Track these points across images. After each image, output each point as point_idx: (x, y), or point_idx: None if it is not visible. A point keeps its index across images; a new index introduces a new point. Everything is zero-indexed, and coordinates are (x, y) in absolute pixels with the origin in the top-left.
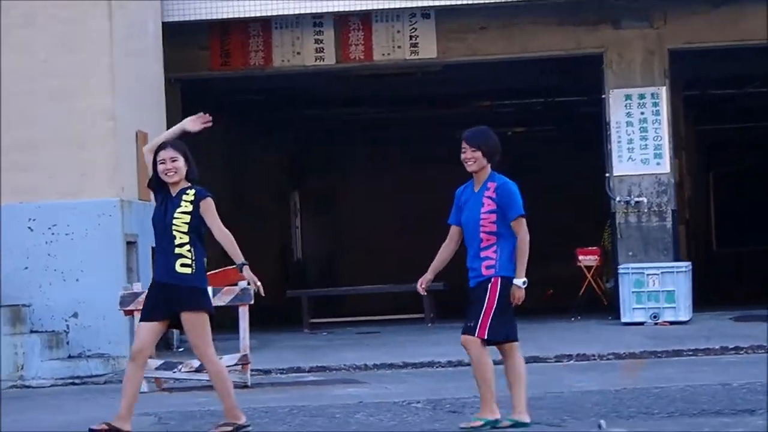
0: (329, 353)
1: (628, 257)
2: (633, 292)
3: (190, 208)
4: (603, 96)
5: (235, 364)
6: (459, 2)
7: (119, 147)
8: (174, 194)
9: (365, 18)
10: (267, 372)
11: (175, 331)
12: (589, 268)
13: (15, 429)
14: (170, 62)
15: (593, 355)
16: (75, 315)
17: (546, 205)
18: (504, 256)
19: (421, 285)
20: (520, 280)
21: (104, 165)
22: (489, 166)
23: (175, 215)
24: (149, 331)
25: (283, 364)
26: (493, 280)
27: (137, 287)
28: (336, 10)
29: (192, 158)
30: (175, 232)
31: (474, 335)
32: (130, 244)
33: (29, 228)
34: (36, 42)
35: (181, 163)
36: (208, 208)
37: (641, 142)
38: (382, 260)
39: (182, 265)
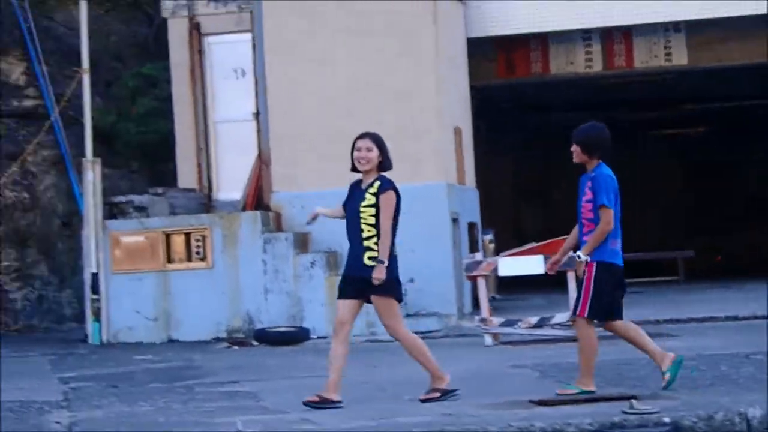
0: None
1: None
2: None
3: (373, 200)
4: None
5: (567, 321)
6: (706, 16)
7: (443, 139)
8: (363, 186)
9: (627, 32)
10: None
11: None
12: None
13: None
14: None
15: None
16: (411, 280)
17: None
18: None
19: (552, 267)
20: (581, 254)
21: (432, 154)
22: (591, 159)
23: (361, 208)
24: (347, 307)
25: None
26: (588, 264)
27: (479, 256)
28: (603, 26)
29: (387, 150)
30: (363, 225)
31: (575, 313)
32: (454, 221)
33: None
34: (381, 51)
35: (374, 153)
36: (385, 201)
37: None
38: None
39: (370, 258)
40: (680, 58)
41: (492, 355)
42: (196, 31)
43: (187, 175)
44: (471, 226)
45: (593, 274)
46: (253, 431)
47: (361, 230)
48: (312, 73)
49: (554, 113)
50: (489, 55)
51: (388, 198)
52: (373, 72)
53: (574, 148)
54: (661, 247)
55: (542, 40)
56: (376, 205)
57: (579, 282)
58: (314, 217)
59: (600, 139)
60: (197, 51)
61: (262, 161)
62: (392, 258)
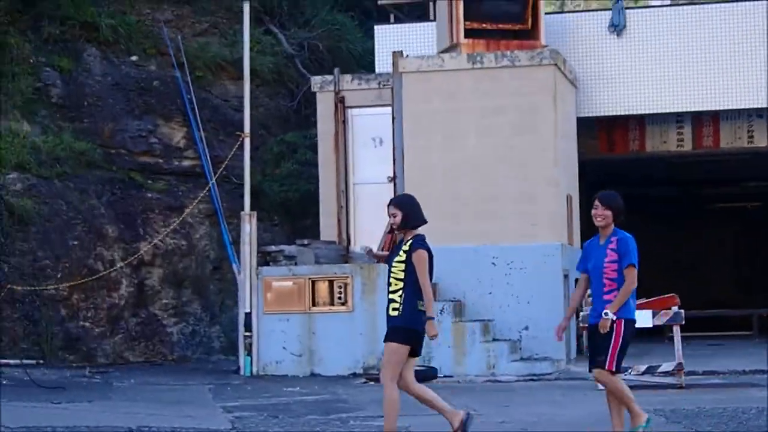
0: (709, 360)
1: None
2: None
3: (404, 257)
4: None
5: (672, 370)
6: None
7: (558, 206)
8: (398, 243)
9: (714, 116)
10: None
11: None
12: None
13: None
14: None
15: None
16: (526, 328)
17: None
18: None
19: (559, 333)
20: (609, 312)
21: (548, 218)
22: (614, 223)
23: (393, 263)
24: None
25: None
26: (617, 321)
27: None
28: (694, 110)
29: (414, 212)
30: (391, 279)
31: (604, 368)
32: (565, 277)
33: (493, 263)
34: (506, 127)
35: (399, 217)
36: (418, 259)
37: None
38: None
39: (393, 309)
40: (761, 140)
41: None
42: (341, 104)
43: (328, 229)
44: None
45: (621, 330)
46: None
47: (389, 283)
48: (443, 144)
49: (641, 187)
50: (592, 133)
51: (418, 256)
52: (499, 144)
53: (604, 212)
54: (733, 305)
55: (640, 121)
56: (405, 261)
57: (604, 337)
58: (368, 253)
59: (623, 206)
60: (341, 121)
61: None
62: (414, 311)
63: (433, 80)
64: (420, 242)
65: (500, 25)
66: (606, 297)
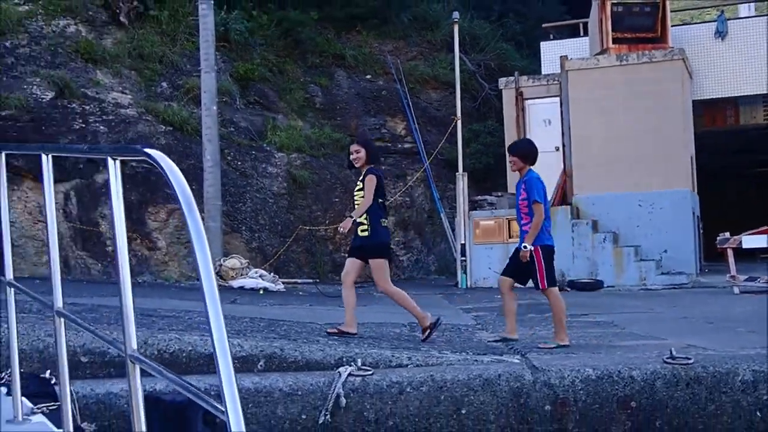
0: None
1: None
2: None
3: (360, 185)
4: None
5: None
6: None
7: (686, 162)
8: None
9: None
10: None
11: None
12: None
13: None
14: None
15: None
16: (665, 251)
17: None
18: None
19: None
20: (526, 245)
21: (681, 171)
22: (526, 166)
23: (355, 192)
24: (351, 264)
25: None
26: (534, 249)
27: (726, 235)
28: None
29: (373, 150)
30: (355, 205)
31: (539, 288)
32: (693, 215)
33: (639, 205)
34: (646, 105)
35: (362, 153)
36: (368, 182)
37: None
38: None
39: (362, 230)
40: None
41: (744, 301)
42: (520, 96)
43: (512, 185)
44: (698, 218)
45: (540, 255)
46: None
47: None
48: (599, 120)
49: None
50: (699, 111)
51: (369, 180)
52: (641, 119)
53: (512, 158)
54: None
55: (734, 103)
56: (363, 189)
57: (528, 265)
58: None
59: (532, 150)
60: (521, 109)
61: (567, 175)
62: (381, 228)
63: (591, 75)
64: (372, 169)
65: (638, 34)
66: (524, 228)
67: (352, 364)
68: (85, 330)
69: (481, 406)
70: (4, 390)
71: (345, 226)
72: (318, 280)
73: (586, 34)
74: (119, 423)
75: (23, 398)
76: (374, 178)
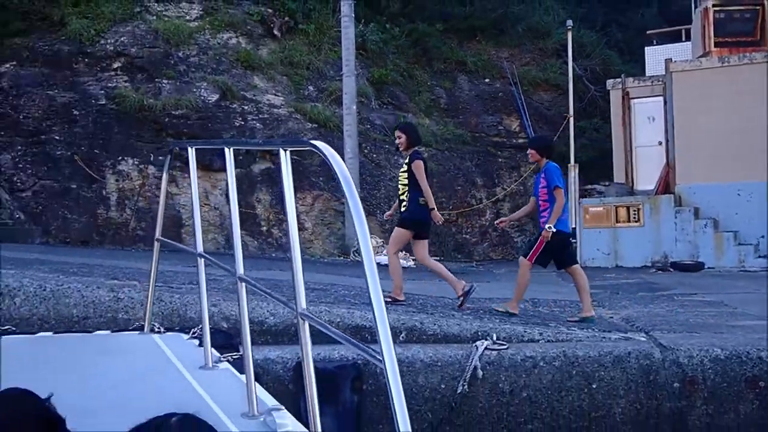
0: None
1: None
2: None
3: (405, 168)
4: None
5: None
6: None
7: None
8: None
9: None
10: None
11: None
12: None
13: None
14: None
15: None
16: (762, 236)
17: None
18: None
19: (500, 224)
20: (549, 226)
21: None
22: (543, 159)
23: (400, 173)
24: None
25: None
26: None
27: None
28: None
29: (415, 134)
30: (399, 185)
31: (525, 256)
32: None
33: (738, 194)
34: (741, 101)
35: (404, 138)
36: (416, 167)
37: None
38: None
39: (403, 206)
40: None
41: None
42: (626, 96)
43: (619, 175)
44: None
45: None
46: None
47: (398, 189)
48: (701, 117)
49: None
50: None
51: (416, 165)
52: (740, 116)
53: (531, 151)
54: None
55: None
56: (407, 171)
57: (533, 238)
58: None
59: (548, 145)
60: (627, 107)
61: (669, 167)
62: (417, 206)
63: (694, 76)
64: (416, 155)
65: (738, 38)
66: (544, 214)
67: (488, 338)
68: (263, 293)
69: (612, 382)
70: (196, 342)
71: (436, 217)
72: (442, 258)
73: (687, 39)
74: (275, 386)
75: (212, 349)
76: (421, 163)
